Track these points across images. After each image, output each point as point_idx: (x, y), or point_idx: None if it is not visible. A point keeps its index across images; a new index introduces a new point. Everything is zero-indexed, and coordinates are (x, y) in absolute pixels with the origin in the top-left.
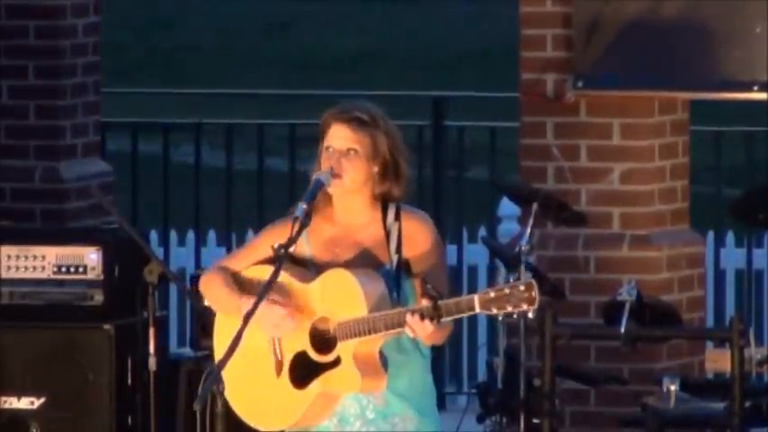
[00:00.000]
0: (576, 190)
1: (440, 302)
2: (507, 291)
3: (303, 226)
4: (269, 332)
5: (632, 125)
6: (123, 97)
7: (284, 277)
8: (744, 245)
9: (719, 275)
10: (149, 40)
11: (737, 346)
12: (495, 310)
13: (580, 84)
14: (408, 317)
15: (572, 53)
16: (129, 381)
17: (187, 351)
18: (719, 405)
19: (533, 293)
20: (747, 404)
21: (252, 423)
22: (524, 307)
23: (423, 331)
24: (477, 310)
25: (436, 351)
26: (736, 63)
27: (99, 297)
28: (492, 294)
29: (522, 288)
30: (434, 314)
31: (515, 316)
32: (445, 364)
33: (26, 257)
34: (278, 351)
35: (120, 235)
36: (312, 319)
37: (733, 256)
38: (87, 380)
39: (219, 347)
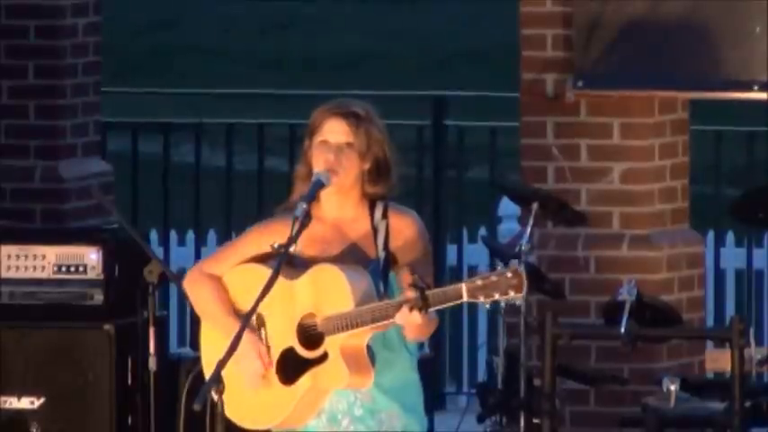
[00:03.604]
0: (576, 190)
1: (427, 292)
2: (494, 278)
3: (303, 226)
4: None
5: (632, 125)
6: (123, 97)
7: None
8: (744, 245)
9: (719, 275)
10: (149, 40)
11: (737, 346)
12: (482, 299)
13: (580, 84)
14: (395, 309)
15: (572, 53)
16: (129, 381)
17: (187, 351)
18: (719, 405)
19: (521, 280)
20: (747, 404)
21: (239, 422)
22: (511, 294)
23: (411, 322)
24: (465, 298)
25: (436, 351)
26: (736, 63)
27: (99, 297)
28: (479, 282)
29: (509, 275)
30: (422, 304)
31: (503, 304)
32: (445, 364)
33: (26, 257)
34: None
35: (120, 235)
36: (299, 315)
37: (733, 256)
38: (87, 380)
39: (207, 352)
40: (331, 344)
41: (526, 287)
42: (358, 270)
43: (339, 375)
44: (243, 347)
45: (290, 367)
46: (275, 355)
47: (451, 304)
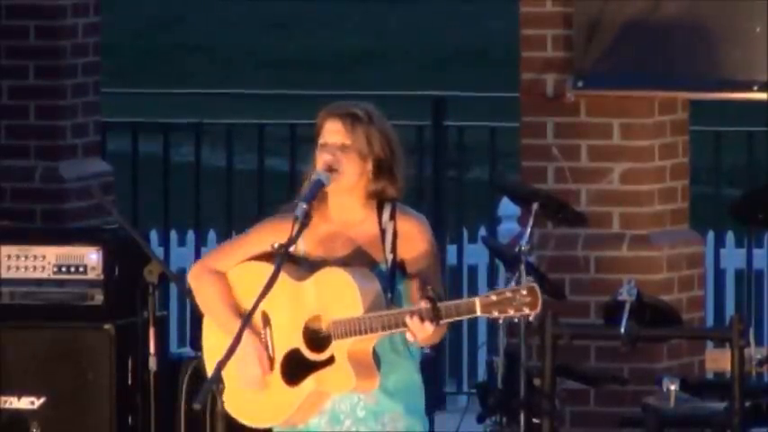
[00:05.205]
0: (576, 190)
1: (439, 304)
2: (509, 294)
3: (303, 226)
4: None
5: (632, 125)
6: (123, 97)
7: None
8: (744, 245)
9: (719, 275)
10: (149, 40)
11: (737, 346)
12: (496, 314)
13: (580, 84)
14: (407, 318)
15: (572, 53)
16: (129, 381)
17: (187, 351)
18: (719, 405)
19: (536, 297)
20: (747, 404)
21: (241, 419)
22: (526, 311)
23: (422, 333)
24: (479, 313)
25: (436, 351)
26: (736, 63)
27: (99, 297)
28: (494, 298)
29: (524, 292)
30: (433, 316)
31: (516, 320)
32: (445, 364)
33: (26, 257)
34: (270, 348)
35: (121, 235)
36: (305, 316)
37: (733, 256)
38: (87, 380)
39: (209, 348)
40: (338, 348)
41: (541, 304)
42: (366, 274)
43: (346, 380)
44: (243, 350)
45: (295, 368)
46: (280, 355)
47: (465, 318)
